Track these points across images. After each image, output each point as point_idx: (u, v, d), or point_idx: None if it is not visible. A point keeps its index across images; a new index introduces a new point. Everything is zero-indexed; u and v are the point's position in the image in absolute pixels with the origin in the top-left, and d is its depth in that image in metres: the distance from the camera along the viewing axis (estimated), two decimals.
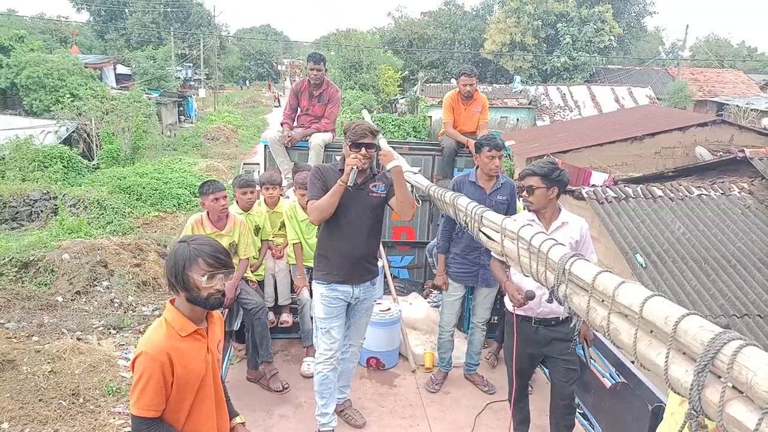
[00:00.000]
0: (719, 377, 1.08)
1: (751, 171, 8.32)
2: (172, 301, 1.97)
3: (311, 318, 4.27)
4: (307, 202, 3.22)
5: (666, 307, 1.25)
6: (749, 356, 1.00)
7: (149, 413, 1.85)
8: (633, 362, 3.36)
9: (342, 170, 3.16)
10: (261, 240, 4.36)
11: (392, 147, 5.03)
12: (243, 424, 2.26)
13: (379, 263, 4.91)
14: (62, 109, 17.71)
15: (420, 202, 4.59)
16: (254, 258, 4.18)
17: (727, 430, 1.01)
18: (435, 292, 5.10)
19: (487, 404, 3.89)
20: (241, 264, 3.93)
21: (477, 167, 3.82)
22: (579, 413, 3.68)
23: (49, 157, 14.79)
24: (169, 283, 1.94)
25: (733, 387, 1.05)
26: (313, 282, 3.35)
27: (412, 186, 4.18)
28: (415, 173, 4.18)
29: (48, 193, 12.80)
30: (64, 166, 14.84)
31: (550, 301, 1.75)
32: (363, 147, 3.11)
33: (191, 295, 1.90)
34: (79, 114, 17.65)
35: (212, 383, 2.02)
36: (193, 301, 1.91)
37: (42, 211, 12.45)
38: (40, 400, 6.10)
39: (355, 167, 3.04)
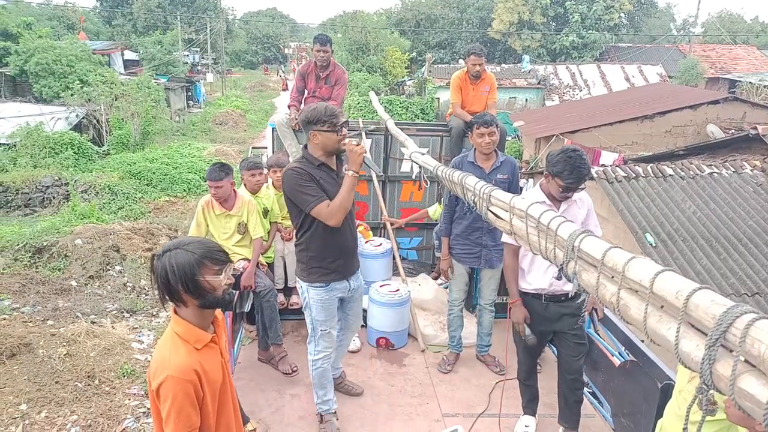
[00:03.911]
0: (731, 351, 1.07)
1: (764, 148, 8.21)
2: (175, 312, 1.83)
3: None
4: (310, 208, 2.88)
5: (677, 282, 1.24)
6: (762, 329, 0.99)
7: None
8: (643, 341, 3.36)
9: (321, 165, 2.95)
10: (270, 222, 4.38)
11: (400, 128, 5.01)
12: (254, 430, 2.26)
13: (387, 244, 4.93)
14: (72, 95, 17.75)
15: (428, 183, 4.59)
16: (264, 240, 4.20)
17: (739, 404, 1.00)
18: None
19: (497, 383, 3.91)
20: (255, 246, 3.95)
21: (474, 147, 3.82)
22: (588, 392, 3.69)
23: (60, 143, 14.89)
24: (173, 295, 1.78)
25: (745, 361, 1.04)
26: (307, 285, 3.11)
27: (420, 167, 4.16)
28: (423, 154, 4.15)
29: (59, 179, 12.92)
30: (74, 153, 14.94)
31: (559, 278, 1.74)
32: (343, 127, 2.94)
33: (207, 299, 1.78)
34: (89, 100, 17.69)
35: (228, 387, 1.97)
36: (209, 305, 1.81)
37: (54, 197, 12.58)
38: (56, 382, 6.22)
39: (366, 154, 2.89)
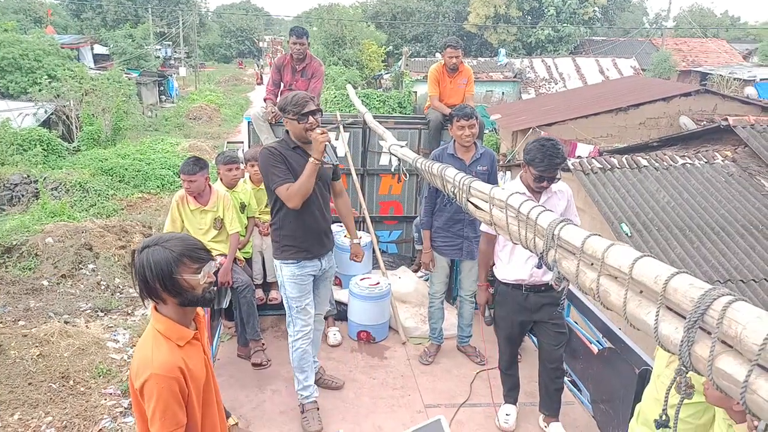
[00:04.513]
0: (708, 333, 1.09)
1: (735, 139, 8.40)
2: (156, 309, 1.79)
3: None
4: (274, 188, 3.08)
5: (655, 267, 1.25)
6: (739, 311, 1.00)
7: None
8: (620, 329, 3.42)
9: (296, 148, 3.11)
10: (247, 217, 4.33)
11: (378, 121, 4.99)
12: (236, 425, 2.23)
13: (367, 238, 4.91)
14: (40, 90, 17.25)
15: (407, 176, 4.58)
16: (241, 235, 4.15)
17: (717, 384, 1.01)
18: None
19: (477, 373, 3.94)
20: (231, 241, 3.90)
21: (453, 139, 3.82)
22: (567, 379, 3.74)
23: (28, 140, 14.48)
24: (151, 293, 1.74)
25: (722, 342, 1.05)
26: (280, 263, 3.27)
27: (399, 159, 4.15)
28: (402, 146, 4.14)
29: (28, 176, 12.58)
30: (43, 149, 14.54)
31: (539, 266, 1.75)
32: (310, 116, 3.03)
33: (186, 297, 1.75)
34: (58, 96, 17.23)
35: (212, 384, 1.94)
36: (189, 303, 1.77)
37: (23, 195, 12.24)
38: (29, 384, 6.08)
39: (327, 143, 3.01)
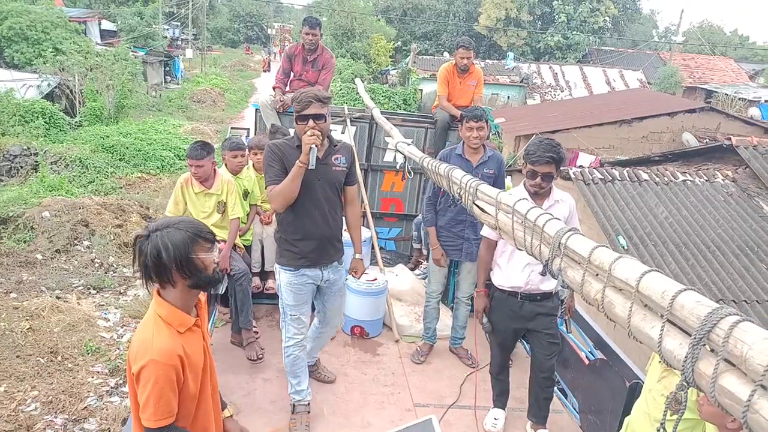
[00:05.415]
0: (712, 350, 1.10)
1: (736, 159, 8.43)
2: (159, 294, 1.78)
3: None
4: (266, 187, 2.96)
5: (663, 282, 1.27)
6: (745, 331, 1.02)
7: (167, 421, 1.73)
8: (614, 341, 3.44)
9: (300, 146, 2.84)
10: (249, 205, 4.33)
11: (385, 117, 4.99)
12: (232, 416, 2.22)
13: (367, 233, 4.92)
14: (45, 63, 17.16)
15: (412, 174, 4.58)
16: (242, 222, 4.15)
17: (719, 401, 1.03)
18: (424, 263, 5.11)
19: (468, 375, 3.96)
20: (232, 226, 3.89)
21: (463, 140, 3.83)
22: (557, 388, 3.76)
23: (31, 111, 14.40)
24: (162, 274, 1.73)
25: (726, 360, 1.07)
26: (279, 268, 3.10)
27: (405, 157, 4.15)
28: (408, 144, 4.14)
29: (29, 148, 12.50)
30: (45, 122, 14.46)
31: (543, 273, 1.76)
32: (310, 119, 2.79)
33: (199, 278, 1.75)
34: (62, 69, 17.13)
35: (209, 373, 1.93)
36: (200, 284, 1.77)
37: (22, 167, 12.17)
38: (17, 357, 6.07)
39: (313, 146, 2.76)
